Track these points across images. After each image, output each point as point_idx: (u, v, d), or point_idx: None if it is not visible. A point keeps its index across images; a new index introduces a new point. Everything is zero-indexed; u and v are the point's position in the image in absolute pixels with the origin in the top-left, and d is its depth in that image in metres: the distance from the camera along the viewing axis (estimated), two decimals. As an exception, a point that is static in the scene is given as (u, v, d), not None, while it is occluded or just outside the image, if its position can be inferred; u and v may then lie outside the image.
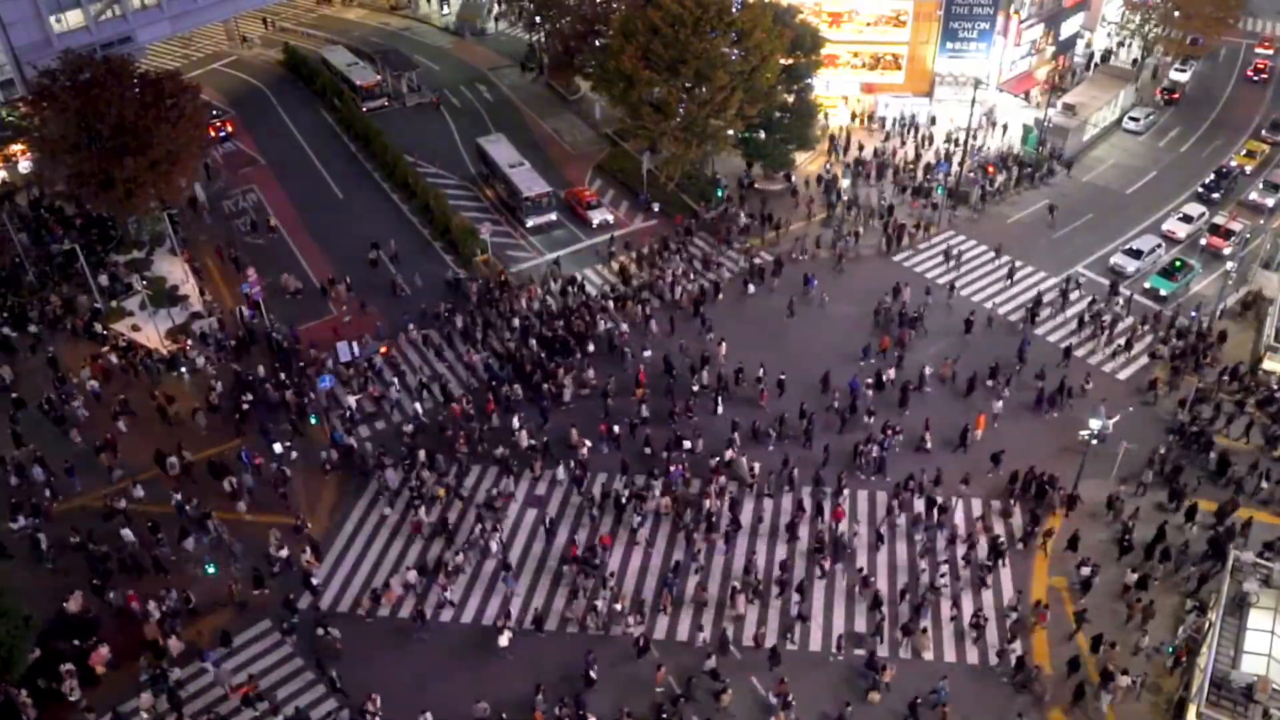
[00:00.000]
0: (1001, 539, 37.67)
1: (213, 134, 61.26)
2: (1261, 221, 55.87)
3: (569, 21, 67.01)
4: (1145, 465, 40.26)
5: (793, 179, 59.44)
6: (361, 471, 41.08)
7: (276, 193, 60.14)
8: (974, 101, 58.19)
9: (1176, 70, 70.78)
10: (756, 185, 59.41)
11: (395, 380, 45.27)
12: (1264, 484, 39.48)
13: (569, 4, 67.08)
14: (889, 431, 41.46)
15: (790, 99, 57.35)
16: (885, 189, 58.78)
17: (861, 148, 62.14)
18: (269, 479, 40.16)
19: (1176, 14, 66.42)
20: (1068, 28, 69.93)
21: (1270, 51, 74.51)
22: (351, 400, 44.01)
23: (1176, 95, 68.92)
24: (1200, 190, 58.93)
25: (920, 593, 36.01)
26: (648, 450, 41.36)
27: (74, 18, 58.49)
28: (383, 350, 46.82)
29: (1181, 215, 55.94)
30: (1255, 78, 71.98)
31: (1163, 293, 50.29)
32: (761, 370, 44.56)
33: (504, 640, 33.94)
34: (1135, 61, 73.01)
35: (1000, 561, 37.15)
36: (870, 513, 39.36)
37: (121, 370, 45.93)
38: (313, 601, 36.02)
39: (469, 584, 36.92)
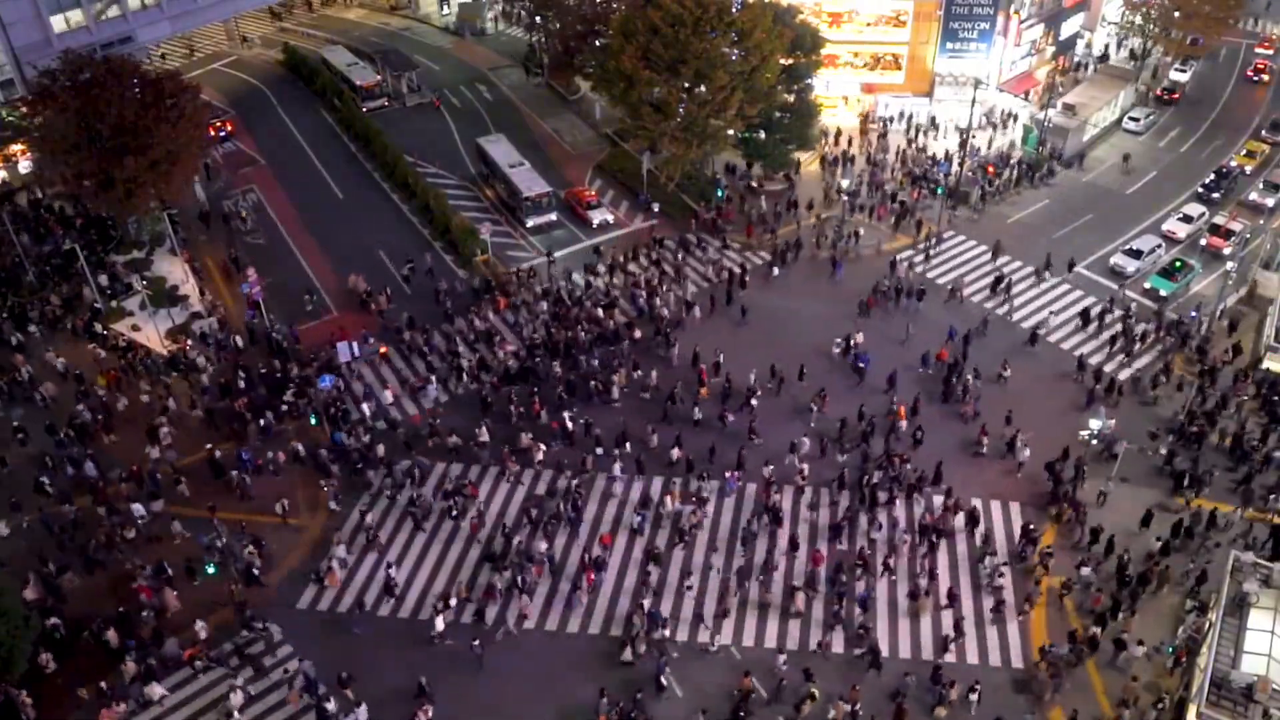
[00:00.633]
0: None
1: (213, 134, 61.28)
2: (1261, 222, 55.88)
3: (569, 22, 67.02)
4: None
5: (793, 179, 59.43)
6: (353, 470, 41.04)
7: (276, 193, 60.12)
8: (974, 102, 58.25)
9: (1176, 70, 70.82)
10: (756, 185, 59.42)
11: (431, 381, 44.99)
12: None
13: (569, 4, 67.10)
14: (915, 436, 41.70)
15: (790, 99, 57.39)
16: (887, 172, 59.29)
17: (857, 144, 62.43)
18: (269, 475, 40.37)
19: (1177, 14, 66.46)
20: (1068, 28, 69.96)
21: (1270, 51, 74.53)
22: (387, 394, 43.99)
23: (1176, 95, 68.94)
24: (1200, 190, 58.96)
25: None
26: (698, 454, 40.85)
27: (74, 17, 58.49)
28: (382, 351, 46.82)
29: (1182, 215, 55.95)
30: (1255, 78, 72.02)
31: (1163, 293, 50.31)
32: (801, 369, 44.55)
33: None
34: (1128, 53, 72.92)
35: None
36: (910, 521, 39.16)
37: (122, 371, 45.93)
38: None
39: (547, 593, 36.62)
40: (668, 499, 39.05)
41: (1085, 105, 63.26)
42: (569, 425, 42.24)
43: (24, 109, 51.81)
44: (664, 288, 50.52)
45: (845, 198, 56.57)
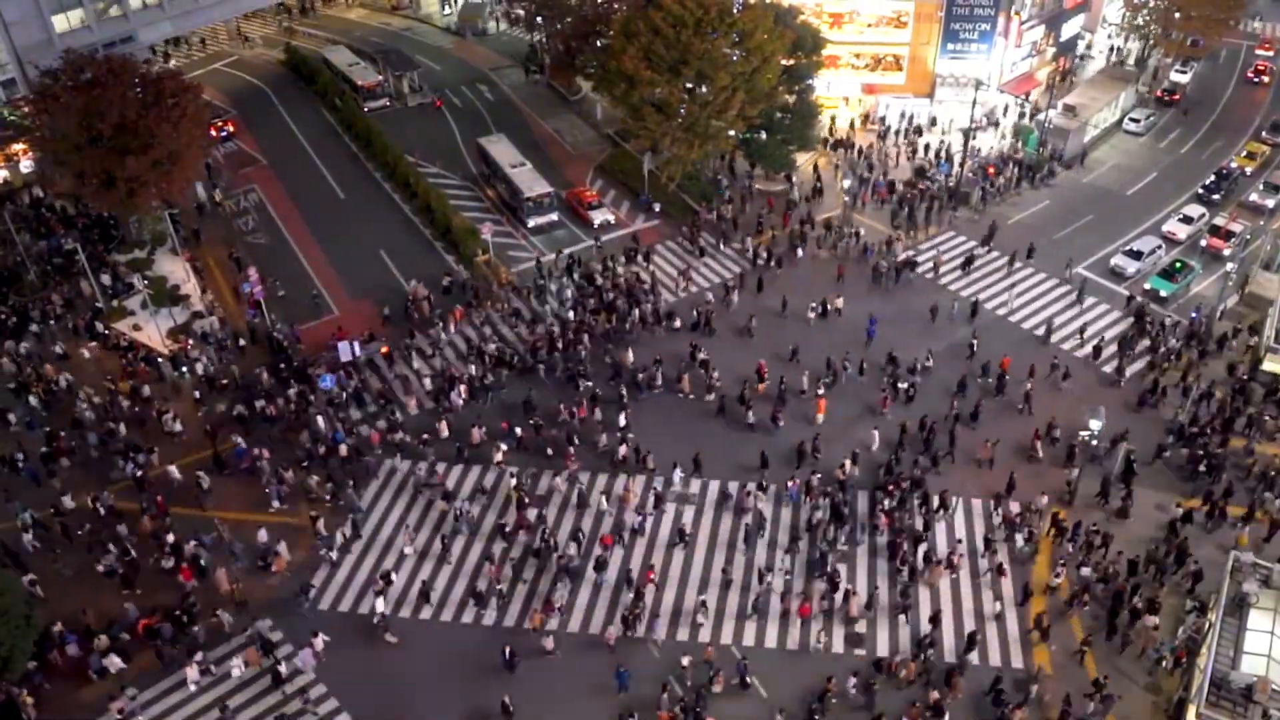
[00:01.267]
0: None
1: (214, 134, 61.35)
2: (1261, 223, 55.93)
3: (570, 22, 67.09)
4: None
5: (794, 179, 59.50)
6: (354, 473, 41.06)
7: (278, 192, 60.21)
8: (975, 103, 58.28)
9: (1177, 71, 70.90)
10: (757, 186, 59.52)
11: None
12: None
13: (570, 4, 67.18)
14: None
15: (791, 100, 57.46)
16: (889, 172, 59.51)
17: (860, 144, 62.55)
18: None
19: (1177, 15, 66.54)
20: (1068, 29, 70.03)
21: (1270, 53, 74.57)
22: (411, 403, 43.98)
23: (1177, 96, 69.02)
24: (1200, 191, 59.01)
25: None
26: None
27: (76, 17, 58.58)
28: (383, 350, 46.87)
29: (1182, 216, 56.00)
30: (1255, 79, 72.08)
31: (1163, 294, 50.35)
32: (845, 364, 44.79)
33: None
34: (1111, 52, 73.02)
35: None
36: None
37: (127, 374, 45.99)
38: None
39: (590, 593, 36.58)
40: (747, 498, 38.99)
41: (1086, 106, 63.33)
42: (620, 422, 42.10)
43: (26, 108, 51.93)
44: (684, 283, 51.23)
45: (847, 198, 56.65)
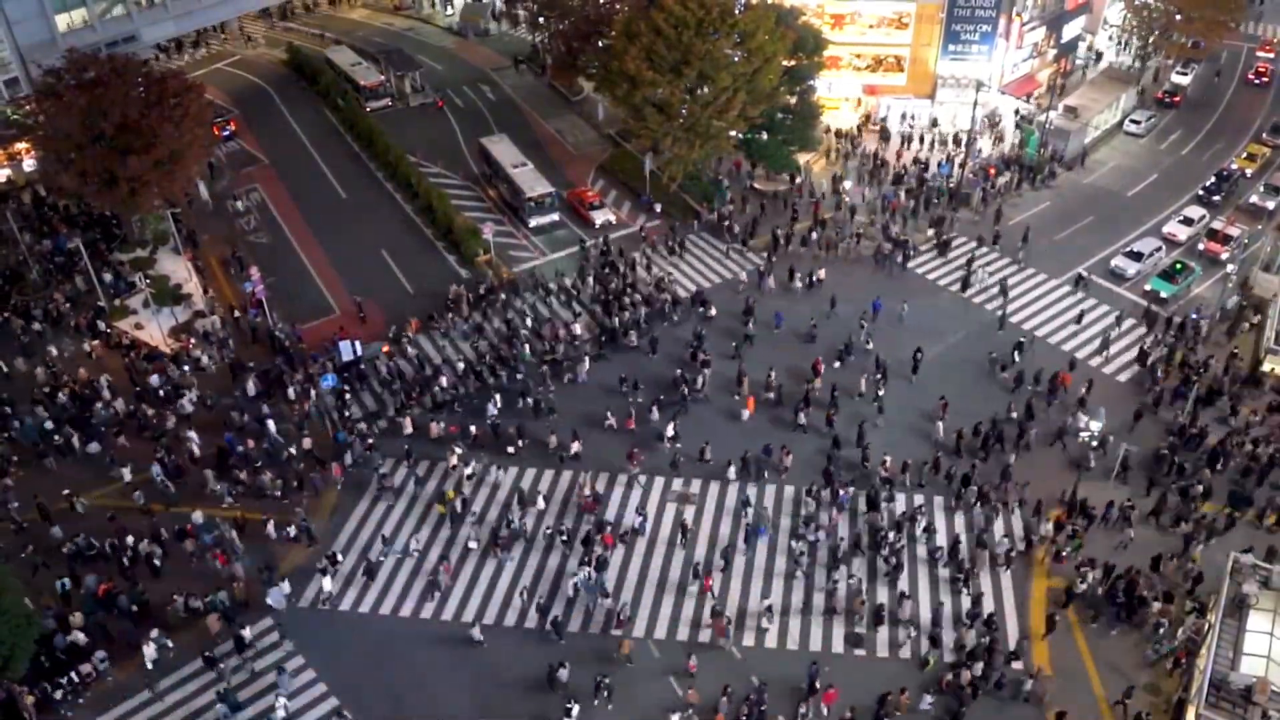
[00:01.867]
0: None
1: (216, 133, 61.44)
2: (1260, 226, 55.94)
3: (571, 23, 67.18)
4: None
5: (798, 180, 59.54)
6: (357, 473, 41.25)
7: (279, 192, 60.31)
8: (975, 104, 58.35)
9: (1178, 73, 70.95)
10: (757, 186, 59.58)
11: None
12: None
13: (572, 4, 67.25)
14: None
15: (792, 100, 57.54)
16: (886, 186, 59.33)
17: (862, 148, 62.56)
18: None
19: (1178, 17, 66.59)
20: (1069, 30, 70.06)
21: (1271, 55, 74.58)
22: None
23: (1178, 98, 69.06)
24: (1201, 193, 59.06)
25: None
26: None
27: (79, 16, 58.71)
28: (384, 350, 46.96)
29: (1182, 218, 56.06)
30: (1256, 81, 72.13)
31: (1163, 295, 50.42)
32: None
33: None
34: (1093, 54, 73.04)
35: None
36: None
37: (127, 370, 46.08)
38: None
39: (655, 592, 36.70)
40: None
41: (1086, 108, 63.39)
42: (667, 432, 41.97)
43: (29, 107, 52.00)
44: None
45: (848, 198, 56.70)
